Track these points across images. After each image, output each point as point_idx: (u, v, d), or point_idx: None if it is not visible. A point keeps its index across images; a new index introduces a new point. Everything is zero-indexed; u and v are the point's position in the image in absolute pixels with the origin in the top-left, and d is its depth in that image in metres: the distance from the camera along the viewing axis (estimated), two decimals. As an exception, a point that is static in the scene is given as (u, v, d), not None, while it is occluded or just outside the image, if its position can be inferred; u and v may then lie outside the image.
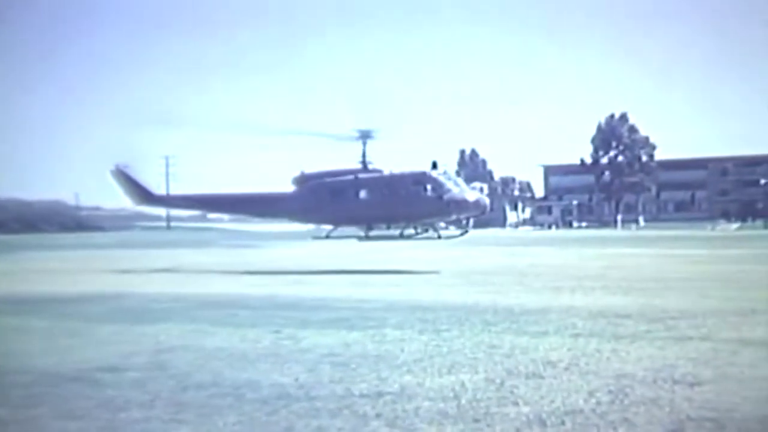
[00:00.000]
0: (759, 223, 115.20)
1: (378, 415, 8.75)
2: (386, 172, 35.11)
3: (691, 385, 9.86)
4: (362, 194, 34.17)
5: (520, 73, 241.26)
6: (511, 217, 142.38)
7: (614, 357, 11.73)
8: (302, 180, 35.60)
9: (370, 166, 35.04)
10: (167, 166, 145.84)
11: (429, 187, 33.26)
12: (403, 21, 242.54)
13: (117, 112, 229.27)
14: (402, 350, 12.50)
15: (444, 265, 33.32)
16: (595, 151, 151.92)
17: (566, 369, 10.92)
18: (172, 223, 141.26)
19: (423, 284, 24.76)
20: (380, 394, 9.65)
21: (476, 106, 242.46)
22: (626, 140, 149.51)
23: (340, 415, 8.80)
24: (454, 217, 34.40)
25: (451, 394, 9.58)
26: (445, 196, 32.92)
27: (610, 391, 9.58)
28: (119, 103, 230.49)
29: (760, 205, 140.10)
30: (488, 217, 34.74)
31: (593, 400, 9.18)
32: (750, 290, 21.29)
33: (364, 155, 35.10)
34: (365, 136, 35.10)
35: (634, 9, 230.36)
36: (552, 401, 9.15)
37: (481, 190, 33.61)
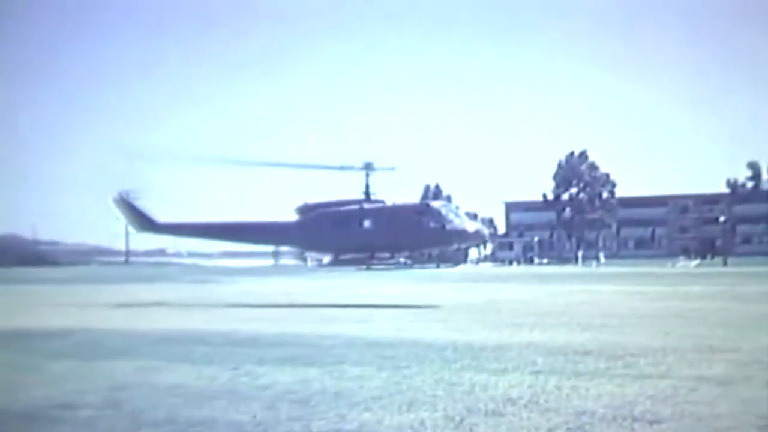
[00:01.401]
0: (718, 260, 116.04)
1: (335, 454, 8.65)
2: (389, 203, 35.55)
3: (651, 422, 9.83)
4: (366, 224, 34.42)
5: (482, 110, 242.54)
6: (473, 253, 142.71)
7: (574, 394, 11.69)
8: (305, 210, 35.81)
9: (372, 197, 35.33)
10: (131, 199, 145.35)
11: (432, 217, 33.61)
12: (361, 52, 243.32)
13: (85, 144, 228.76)
14: (361, 387, 12.40)
15: (405, 302, 33.23)
16: (557, 187, 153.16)
17: (526, 406, 10.87)
18: (131, 258, 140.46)
19: (383, 320, 24.64)
20: (338, 432, 9.56)
21: (438, 141, 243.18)
22: (587, 177, 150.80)
23: (297, 453, 8.69)
24: (455, 246, 35.00)
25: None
26: (448, 227, 33.36)
27: (569, 429, 9.54)
28: (86, 135, 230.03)
29: (719, 243, 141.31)
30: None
31: (553, 438, 9.13)
32: (708, 327, 21.34)
33: (367, 186, 35.36)
34: (368, 167, 35.43)
35: (593, 47, 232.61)
36: (511, 439, 9.09)
37: (475, 217, 34.00)
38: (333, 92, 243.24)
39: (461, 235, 33.30)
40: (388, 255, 35.93)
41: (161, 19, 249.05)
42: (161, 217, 37.49)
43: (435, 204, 33.40)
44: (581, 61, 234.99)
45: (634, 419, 10.00)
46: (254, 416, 10.43)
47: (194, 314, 28.24)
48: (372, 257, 35.63)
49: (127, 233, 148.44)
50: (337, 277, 65.42)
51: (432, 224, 32.65)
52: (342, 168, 34.86)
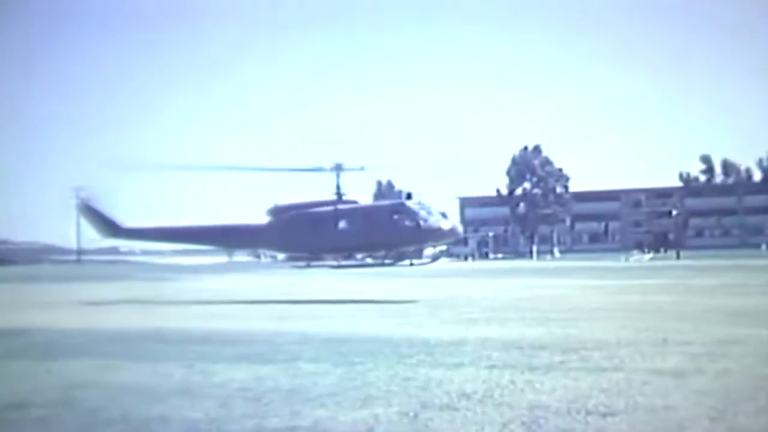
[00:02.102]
0: (671, 253, 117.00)
1: (290, 451, 8.60)
2: (362, 203, 35.78)
3: (604, 415, 9.87)
4: (342, 224, 34.47)
5: (435, 105, 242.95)
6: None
7: (528, 388, 11.71)
8: (277, 211, 35.78)
9: (344, 197, 35.45)
10: (77, 198, 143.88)
11: (407, 216, 33.82)
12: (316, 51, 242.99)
13: (37, 143, 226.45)
14: (315, 383, 12.35)
15: (360, 298, 33.22)
16: (511, 182, 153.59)
17: (480, 401, 10.87)
18: (83, 257, 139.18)
19: (337, 316, 24.60)
20: (293, 429, 9.50)
21: (393, 136, 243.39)
22: (540, 172, 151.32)
23: (251, 450, 8.64)
24: (431, 243, 35.23)
25: (365, 428, 9.47)
26: (423, 225, 33.58)
27: (523, 423, 9.55)
28: (40, 135, 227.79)
29: (672, 236, 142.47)
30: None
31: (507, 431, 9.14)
32: (662, 320, 21.51)
33: (338, 187, 35.42)
34: (338, 168, 35.49)
35: (545, 42, 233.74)
36: (466, 434, 9.09)
37: (444, 215, 34.25)
38: (287, 92, 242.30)
39: (436, 233, 33.44)
40: (364, 255, 36.18)
41: (125, 21, 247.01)
42: (126, 221, 37.06)
43: (409, 203, 33.56)
44: (534, 56, 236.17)
45: (588, 412, 10.04)
46: (208, 414, 10.36)
47: (148, 312, 28.01)
48: (349, 257, 35.90)
49: (78, 231, 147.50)
50: (292, 273, 65.28)
51: (407, 223, 32.76)
52: (314, 170, 34.89)
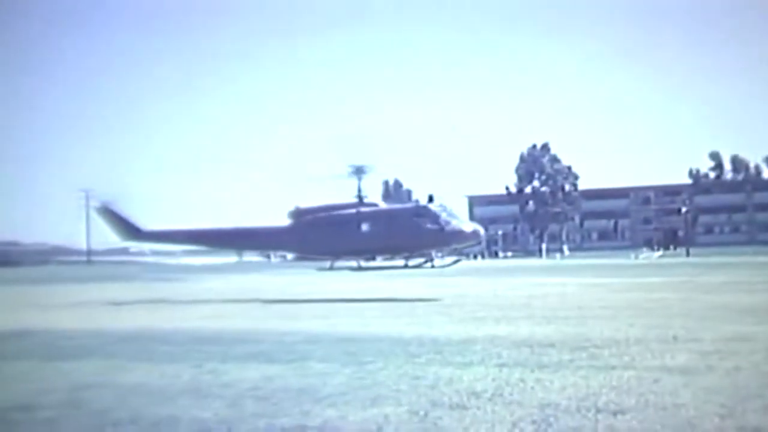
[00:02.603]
0: (681, 251, 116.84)
1: (299, 450, 8.59)
2: (383, 206, 36.02)
3: (614, 413, 9.85)
4: (364, 227, 34.65)
5: (443, 105, 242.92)
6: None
7: (538, 386, 11.69)
8: (298, 214, 36.02)
9: (365, 200, 35.69)
10: (87, 199, 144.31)
11: (430, 219, 34.04)
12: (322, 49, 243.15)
13: (46, 145, 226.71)
14: (325, 383, 12.34)
15: (371, 297, 33.22)
16: (519, 181, 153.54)
17: (490, 399, 10.86)
18: (93, 258, 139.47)
19: (347, 316, 24.59)
20: (302, 428, 9.49)
21: (401, 136, 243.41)
22: (549, 170, 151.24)
23: (260, 450, 8.63)
24: (454, 246, 35.44)
25: (374, 427, 9.46)
26: (447, 228, 33.80)
27: (533, 421, 9.53)
28: (49, 137, 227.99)
29: (681, 233, 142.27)
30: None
31: (517, 430, 9.12)
32: (672, 318, 21.47)
33: (359, 190, 35.66)
34: (359, 171, 35.73)
35: (554, 41, 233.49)
36: (476, 432, 9.08)
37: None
38: (295, 94, 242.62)
39: (459, 235, 33.74)
40: (386, 257, 36.43)
41: (144, 20, 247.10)
42: (147, 224, 37.20)
43: (432, 206, 33.99)
44: (543, 55, 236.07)
45: (598, 410, 10.01)
46: (217, 414, 10.35)
47: (158, 313, 28.05)
48: (371, 259, 36.16)
49: (88, 232, 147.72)
50: (302, 273, 65.30)
51: (429, 225, 33.01)
52: (337, 176, 35.34)
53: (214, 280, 57.73)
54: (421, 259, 35.71)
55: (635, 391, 11.21)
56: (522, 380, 12.20)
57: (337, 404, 10.77)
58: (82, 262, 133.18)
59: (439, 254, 35.88)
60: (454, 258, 37.77)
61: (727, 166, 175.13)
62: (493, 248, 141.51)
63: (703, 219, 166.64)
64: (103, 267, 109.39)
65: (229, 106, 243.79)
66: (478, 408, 10.34)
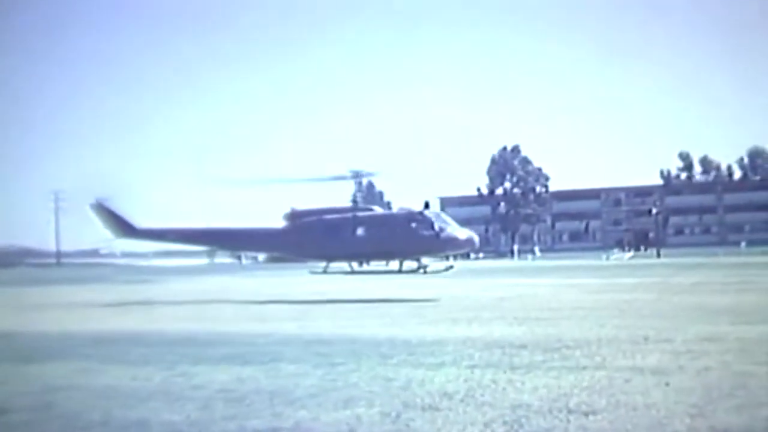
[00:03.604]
0: (651, 251, 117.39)
1: (271, 452, 8.57)
2: (378, 211, 36.21)
3: (586, 414, 9.88)
4: (360, 231, 34.78)
5: (414, 106, 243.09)
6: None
7: (510, 387, 11.71)
8: (294, 216, 36.12)
9: (361, 205, 35.92)
10: (56, 201, 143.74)
11: (425, 225, 34.25)
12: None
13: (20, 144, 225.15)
14: (297, 385, 12.32)
15: (342, 298, 33.19)
16: (491, 182, 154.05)
17: (462, 400, 10.87)
18: (63, 260, 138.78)
19: (320, 318, 24.57)
20: (275, 430, 9.47)
21: (373, 137, 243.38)
22: (520, 172, 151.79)
23: (232, 453, 8.61)
24: (448, 252, 35.71)
25: (347, 429, 9.45)
26: (442, 235, 34.04)
27: (505, 422, 9.55)
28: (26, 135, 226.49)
29: (652, 234, 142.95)
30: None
31: (489, 431, 9.13)
32: (643, 318, 21.58)
33: (355, 194, 35.87)
34: (357, 175, 35.92)
35: (522, 41, 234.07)
36: (448, 434, 9.08)
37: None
38: (277, 100, 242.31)
39: (454, 242, 34.12)
40: (380, 262, 36.78)
41: (142, 15, 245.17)
42: (141, 222, 37.16)
43: (427, 212, 34.48)
44: (511, 56, 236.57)
45: (570, 411, 10.04)
46: (188, 416, 10.31)
47: (130, 315, 27.94)
48: (364, 264, 36.51)
49: (57, 234, 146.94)
50: (274, 275, 65.22)
51: (425, 232, 33.30)
52: (335, 178, 35.56)
53: (185, 282, 57.54)
54: (415, 264, 35.86)
55: (606, 391, 11.25)
56: (494, 381, 12.22)
57: (309, 406, 10.75)
58: (51, 264, 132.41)
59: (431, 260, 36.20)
60: (447, 264, 38.04)
61: (697, 167, 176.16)
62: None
63: (674, 220, 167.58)
64: (73, 269, 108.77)
65: (228, 105, 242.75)
66: (450, 409, 10.35)
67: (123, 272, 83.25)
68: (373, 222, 35.41)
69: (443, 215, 36.39)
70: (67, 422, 10.22)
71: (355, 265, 36.80)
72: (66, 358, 16.11)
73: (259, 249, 47.70)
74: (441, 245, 34.72)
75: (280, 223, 36.79)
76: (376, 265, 37.94)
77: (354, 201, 35.88)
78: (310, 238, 35.33)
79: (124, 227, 37.14)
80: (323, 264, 36.63)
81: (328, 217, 35.71)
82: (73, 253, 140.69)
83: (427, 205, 36.10)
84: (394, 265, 36.72)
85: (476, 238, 36.60)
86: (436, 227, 34.31)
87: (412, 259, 35.60)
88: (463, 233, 35.40)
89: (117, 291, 45.61)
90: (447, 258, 37.26)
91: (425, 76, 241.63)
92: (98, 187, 38.98)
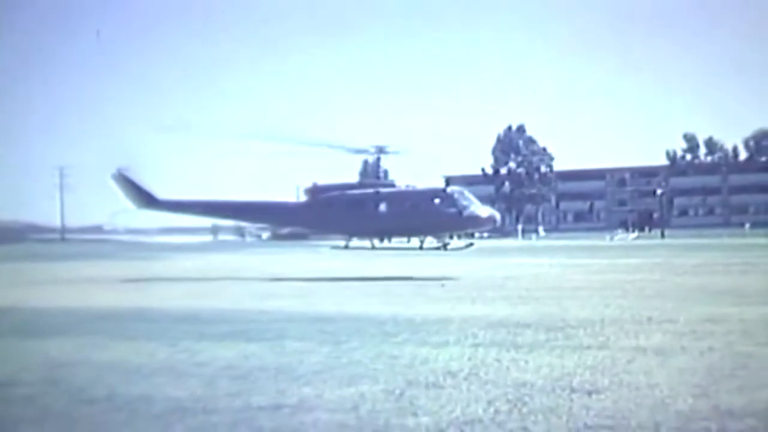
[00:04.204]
0: (656, 232, 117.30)
1: (276, 429, 8.61)
2: (401, 187, 36.04)
3: (589, 393, 9.91)
4: (382, 207, 34.67)
5: (420, 85, 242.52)
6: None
7: (513, 366, 11.75)
8: (315, 191, 36.04)
9: (386, 180, 35.83)
10: (61, 177, 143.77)
11: (449, 203, 34.13)
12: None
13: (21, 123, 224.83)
14: (301, 362, 12.35)
15: (346, 275, 33.22)
16: (496, 161, 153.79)
17: (466, 379, 10.90)
18: (67, 236, 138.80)
19: (325, 295, 24.60)
20: (279, 407, 9.51)
21: (381, 116, 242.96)
22: (524, 151, 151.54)
23: (236, 428, 8.65)
24: (470, 230, 35.60)
25: (351, 406, 9.48)
26: (465, 213, 33.92)
27: (508, 400, 9.57)
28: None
29: (656, 215, 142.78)
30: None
31: (492, 410, 9.16)
32: (646, 299, 21.61)
33: (378, 169, 35.72)
34: (381, 151, 35.80)
35: (529, 22, 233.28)
36: (451, 411, 9.11)
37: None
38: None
39: (476, 220, 34.08)
40: (402, 238, 36.71)
41: None
42: (162, 194, 37.10)
43: (450, 190, 34.54)
44: (519, 36, 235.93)
45: (573, 390, 10.07)
46: (193, 392, 10.34)
47: (133, 291, 27.97)
48: (388, 240, 36.40)
49: (62, 210, 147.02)
50: (278, 252, 65.22)
51: (449, 210, 33.23)
52: (357, 151, 35.51)
53: (189, 259, 57.55)
54: (436, 242, 35.79)
55: (609, 371, 11.28)
56: (497, 360, 12.25)
57: (314, 383, 10.78)
58: (56, 240, 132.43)
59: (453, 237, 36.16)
60: (467, 241, 37.89)
61: (703, 149, 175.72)
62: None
63: (679, 201, 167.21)
64: (77, 245, 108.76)
65: (251, 80, 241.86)
66: (454, 387, 10.38)
67: (127, 248, 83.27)
68: (396, 198, 35.21)
69: (466, 192, 36.23)
70: (71, 397, 10.26)
71: (376, 242, 36.65)
72: (70, 334, 16.17)
73: (280, 223, 47.56)
74: (463, 223, 34.62)
75: (299, 198, 36.74)
76: (397, 242, 37.85)
77: (377, 177, 35.75)
78: (332, 213, 35.15)
79: (145, 198, 37.01)
80: (345, 240, 36.52)
81: (350, 192, 35.54)
82: (77, 229, 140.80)
83: (448, 183, 36.07)
84: (415, 242, 36.67)
85: (498, 216, 36.52)
86: (459, 205, 34.20)
87: (434, 236, 35.51)
88: (485, 211, 35.28)
89: (121, 267, 45.62)
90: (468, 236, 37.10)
91: (432, 57, 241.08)
92: (112, 160, 38.84)
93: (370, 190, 35.20)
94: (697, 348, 13.08)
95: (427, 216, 34.09)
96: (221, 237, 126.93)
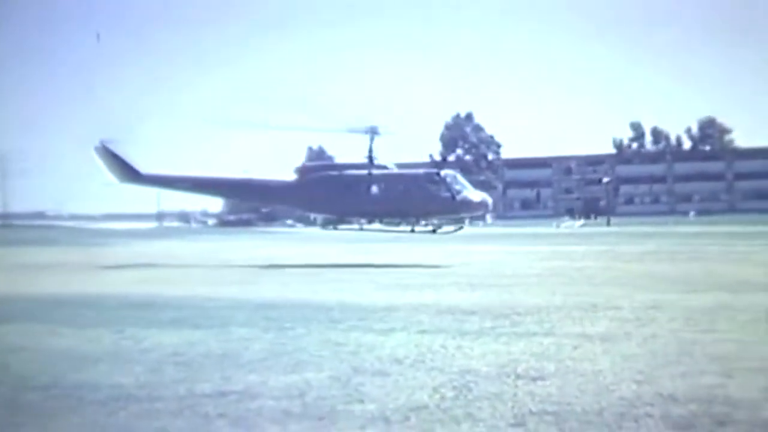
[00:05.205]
0: (602, 220, 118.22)
1: (221, 415, 8.57)
2: (394, 169, 35.59)
3: (534, 379, 9.96)
4: (374, 189, 34.23)
5: (368, 71, 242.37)
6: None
7: (459, 353, 11.78)
8: (306, 170, 35.53)
9: (376, 161, 35.28)
10: (2, 162, 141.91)
11: (443, 187, 33.79)
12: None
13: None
14: (246, 348, 12.31)
15: (295, 262, 33.16)
16: (444, 148, 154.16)
17: (412, 366, 10.91)
18: (8, 221, 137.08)
19: (271, 282, 24.53)
20: (224, 394, 9.47)
21: (324, 100, 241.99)
22: (472, 139, 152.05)
23: (181, 415, 8.60)
24: (463, 215, 35.29)
25: (296, 393, 9.46)
26: (458, 197, 33.62)
27: (454, 387, 9.60)
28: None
29: (602, 203, 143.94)
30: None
31: (437, 396, 9.18)
32: (592, 286, 21.77)
33: (370, 150, 35.23)
34: (372, 131, 35.29)
35: (479, 12, 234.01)
36: (397, 398, 9.12)
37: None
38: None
39: (469, 205, 33.86)
40: (393, 221, 36.19)
41: None
42: (146, 168, 36.23)
43: (444, 173, 34.14)
44: (466, 24, 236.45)
45: (518, 376, 10.12)
46: (138, 379, 10.28)
47: (79, 277, 27.67)
48: (373, 221, 35.89)
49: (4, 195, 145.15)
50: (225, 239, 64.98)
51: (443, 193, 32.97)
52: (350, 131, 34.97)
53: (137, 245, 57.12)
54: (426, 225, 35.58)
55: (555, 357, 11.35)
56: (443, 347, 12.28)
57: (259, 370, 10.75)
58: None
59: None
60: (456, 225, 37.67)
61: (648, 137, 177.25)
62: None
63: (624, 189, 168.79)
64: (21, 231, 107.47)
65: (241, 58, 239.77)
66: (400, 374, 10.39)
67: (74, 235, 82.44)
68: (389, 180, 34.81)
69: (459, 176, 35.99)
70: (17, 384, 10.15)
71: (365, 224, 36.30)
72: (16, 321, 15.98)
73: (268, 202, 46.66)
74: (456, 207, 34.35)
75: (289, 177, 36.18)
76: (386, 224, 37.47)
77: (369, 157, 35.32)
78: (322, 193, 34.64)
79: (128, 172, 36.31)
80: (333, 220, 36.20)
81: (342, 173, 35.05)
82: (18, 215, 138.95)
83: (444, 159, 35.81)
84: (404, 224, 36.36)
85: (490, 201, 36.37)
86: (453, 189, 33.97)
87: (426, 220, 35.28)
88: (477, 195, 35.08)
89: (66, 253, 45.18)
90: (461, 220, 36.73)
91: (382, 41, 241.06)
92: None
93: (363, 171, 34.71)
94: (642, 334, 13.20)
95: (421, 199, 33.80)
96: (167, 224, 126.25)
